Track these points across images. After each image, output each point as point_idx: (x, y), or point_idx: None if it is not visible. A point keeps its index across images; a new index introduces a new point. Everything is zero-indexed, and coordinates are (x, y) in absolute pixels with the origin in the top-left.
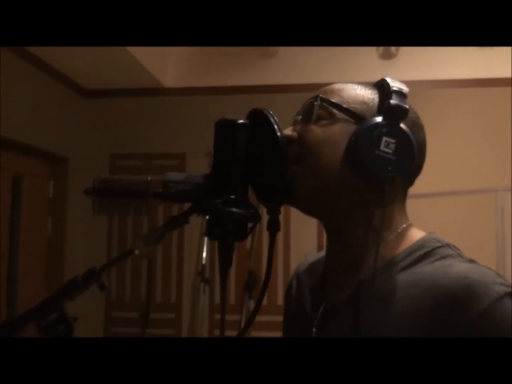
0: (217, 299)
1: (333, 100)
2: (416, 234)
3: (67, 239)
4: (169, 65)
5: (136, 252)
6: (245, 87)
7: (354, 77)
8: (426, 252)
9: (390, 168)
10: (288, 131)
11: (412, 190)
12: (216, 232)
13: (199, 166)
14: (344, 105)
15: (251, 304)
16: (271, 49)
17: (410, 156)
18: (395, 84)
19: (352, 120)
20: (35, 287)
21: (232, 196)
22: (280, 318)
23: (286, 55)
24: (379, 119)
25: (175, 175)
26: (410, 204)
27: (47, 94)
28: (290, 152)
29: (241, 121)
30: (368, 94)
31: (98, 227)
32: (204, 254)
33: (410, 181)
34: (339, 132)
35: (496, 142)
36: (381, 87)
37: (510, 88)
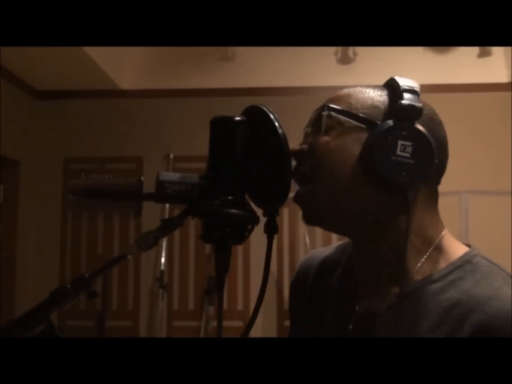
0: (175, 305)
1: (341, 108)
2: (458, 248)
3: (18, 245)
4: (126, 66)
5: (129, 257)
6: (203, 90)
7: (312, 81)
8: (472, 269)
9: (409, 173)
10: (298, 146)
11: None
12: (213, 235)
13: (156, 169)
14: (354, 111)
15: (211, 310)
16: (230, 52)
17: (430, 157)
18: (405, 83)
19: (363, 126)
20: None
21: (230, 197)
22: (240, 323)
23: (244, 59)
24: (392, 122)
25: (169, 175)
26: None
27: None
28: (302, 168)
29: (238, 118)
30: (377, 97)
31: (51, 232)
32: (163, 260)
33: (436, 182)
34: (352, 141)
35: (458, 145)
36: (391, 87)
37: (469, 93)
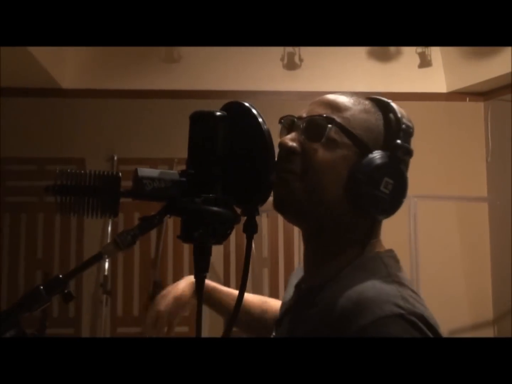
0: (119, 311)
1: (342, 122)
2: (371, 250)
3: None
4: (68, 65)
5: (106, 256)
6: (147, 91)
7: (258, 86)
8: (364, 268)
9: (384, 208)
10: (289, 141)
11: None
12: (194, 235)
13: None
14: (353, 131)
15: None
16: (175, 53)
17: (403, 195)
18: (405, 120)
19: (356, 148)
20: None
21: (212, 195)
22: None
23: (190, 61)
24: (384, 157)
25: (148, 171)
26: None
27: None
28: (289, 166)
29: (219, 113)
30: (373, 120)
31: None
32: (106, 265)
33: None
34: (344, 158)
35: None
36: (387, 111)
37: (411, 102)
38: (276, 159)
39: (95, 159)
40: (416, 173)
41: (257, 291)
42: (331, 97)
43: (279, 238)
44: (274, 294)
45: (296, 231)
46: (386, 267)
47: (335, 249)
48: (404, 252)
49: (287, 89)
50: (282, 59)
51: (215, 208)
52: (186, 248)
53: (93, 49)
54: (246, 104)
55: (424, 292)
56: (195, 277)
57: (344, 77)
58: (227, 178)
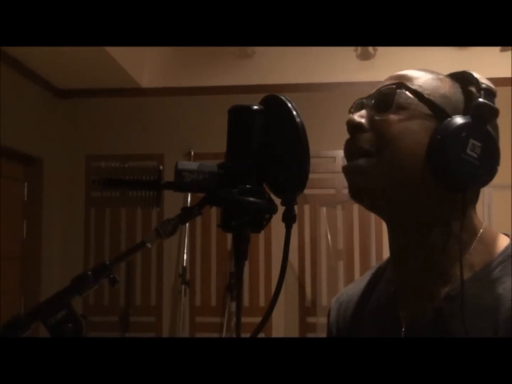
0: (198, 301)
1: (411, 86)
2: (500, 239)
3: (43, 242)
4: (146, 65)
5: (148, 245)
6: (223, 87)
7: (332, 77)
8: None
9: (473, 175)
10: (357, 117)
11: None
12: (232, 224)
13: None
14: (427, 96)
15: (233, 306)
16: (249, 49)
17: (495, 162)
18: (484, 81)
19: (433, 114)
20: (11, 291)
21: (248, 186)
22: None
23: (263, 56)
24: (466, 118)
25: (188, 164)
26: None
27: (19, 93)
28: (359, 143)
29: (256, 107)
30: (448, 87)
31: (74, 229)
32: (185, 256)
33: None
34: (420, 126)
35: None
36: (464, 80)
37: (498, 87)
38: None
39: (173, 155)
40: None
41: (331, 283)
42: (400, 72)
43: (355, 230)
44: None
45: (373, 223)
46: None
47: (433, 240)
48: None
49: (362, 80)
50: (355, 50)
51: (251, 198)
52: (261, 241)
53: (170, 48)
54: (282, 97)
55: None
56: (235, 265)
57: (421, 63)
58: (265, 169)
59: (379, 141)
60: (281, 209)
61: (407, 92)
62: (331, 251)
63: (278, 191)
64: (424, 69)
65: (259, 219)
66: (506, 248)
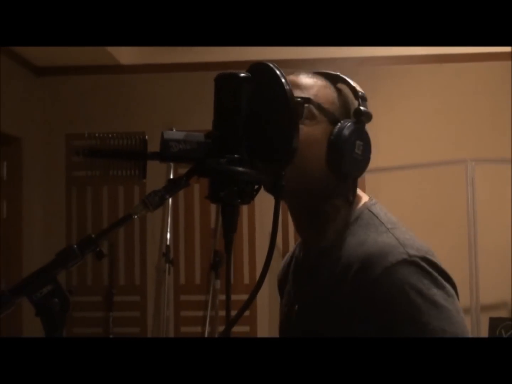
0: (182, 280)
1: (306, 97)
2: (357, 205)
3: (23, 222)
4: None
5: (135, 216)
6: (204, 63)
7: (314, 53)
8: (359, 224)
9: (360, 168)
10: None
11: (386, 164)
12: (220, 195)
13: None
14: (324, 106)
15: (217, 284)
16: None
17: (369, 154)
18: (358, 87)
19: (327, 120)
20: None
21: (237, 155)
22: (246, 297)
23: None
24: (353, 124)
25: (174, 134)
26: (386, 177)
27: None
28: None
29: (243, 74)
30: (332, 93)
31: (55, 209)
32: (168, 235)
33: None
34: (321, 133)
35: (465, 114)
36: (341, 84)
37: (471, 63)
38: None
39: (155, 132)
40: (473, 136)
41: None
42: (293, 78)
43: None
44: None
45: None
46: (377, 216)
47: (329, 214)
48: (462, 217)
49: (339, 56)
50: None
51: (240, 168)
52: (245, 218)
53: None
54: (270, 64)
55: (483, 260)
56: (224, 237)
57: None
58: (253, 139)
59: None
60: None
61: (312, 106)
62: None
63: (265, 161)
64: (309, 73)
65: (248, 190)
66: (356, 210)
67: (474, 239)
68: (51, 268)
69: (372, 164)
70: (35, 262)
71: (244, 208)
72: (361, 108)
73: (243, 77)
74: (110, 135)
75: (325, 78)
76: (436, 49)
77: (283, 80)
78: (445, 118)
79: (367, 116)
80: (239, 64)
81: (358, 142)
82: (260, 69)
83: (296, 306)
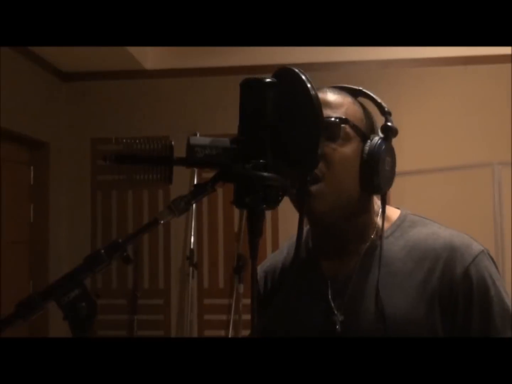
0: (206, 283)
1: (337, 115)
2: (396, 213)
3: (50, 226)
4: (150, 46)
5: (161, 222)
6: (227, 68)
7: (336, 57)
8: (409, 224)
9: (389, 182)
10: None
11: (410, 167)
12: (246, 200)
13: (183, 149)
14: (356, 124)
15: (241, 288)
16: None
17: (395, 169)
18: (384, 104)
19: (358, 137)
20: (19, 275)
21: (262, 161)
22: None
23: None
24: (382, 140)
25: (200, 139)
26: (411, 180)
27: (25, 77)
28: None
29: (269, 80)
30: (360, 109)
31: (81, 213)
32: (192, 239)
33: None
34: (353, 151)
35: (493, 116)
36: (366, 99)
37: (496, 65)
38: None
39: (179, 136)
40: (499, 139)
41: None
42: (324, 96)
43: None
44: None
45: None
46: (423, 217)
47: (361, 230)
48: (489, 221)
49: (364, 59)
50: None
51: (265, 174)
52: (268, 222)
53: None
54: (296, 70)
55: (509, 264)
56: (249, 242)
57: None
58: (278, 144)
59: (326, 167)
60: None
61: (347, 125)
62: None
63: (292, 166)
64: (335, 90)
65: (273, 195)
66: (399, 217)
67: (501, 243)
68: (78, 272)
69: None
70: (61, 266)
71: (268, 213)
72: (389, 124)
73: (269, 82)
74: (136, 140)
75: (350, 94)
76: (461, 50)
77: (308, 85)
78: (471, 121)
79: (394, 132)
80: (264, 68)
81: (387, 159)
82: (286, 74)
83: (341, 317)
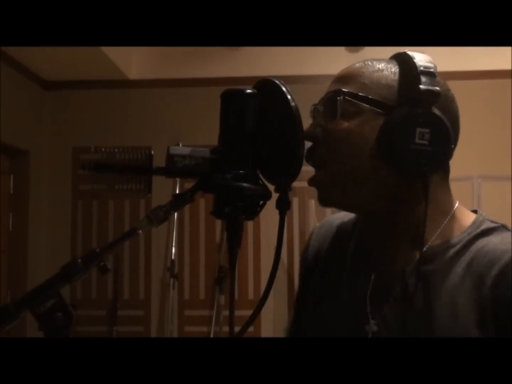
0: (187, 295)
1: (355, 90)
2: (468, 216)
3: (29, 235)
4: (134, 56)
5: (139, 231)
6: (211, 79)
7: (321, 69)
8: (482, 232)
9: (428, 161)
10: (311, 128)
11: None
12: (225, 210)
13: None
14: (370, 95)
15: (222, 299)
16: None
17: (448, 143)
18: (421, 63)
19: (379, 110)
20: None
21: (242, 171)
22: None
23: (251, 48)
24: (409, 108)
25: (180, 149)
26: None
27: (5, 85)
28: (317, 153)
29: (249, 91)
30: (390, 75)
31: (61, 222)
32: (173, 250)
33: (450, 158)
34: (368, 126)
35: (472, 131)
36: (404, 63)
37: (482, 81)
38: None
39: (161, 147)
40: (481, 153)
41: None
42: (341, 71)
43: None
44: None
45: None
46: (504, 226)
47: (415, 224)
48: None
49: None
50: None
51: (244, 184)
52: (250, 233)
53: None
54: (276, 81)
55: None
56: (228, 252)
57: None
58: (258, 154)
59: (331, 151)
60: (274, 196)
61: (348, 97)
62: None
63: (271, 176)
64: (366, 60)
65: (253, 205)
66: (473, 222)
67: None
68: (55, 281)
69: None
70: (40, 275)
71: (250, 223)
72: (421, 87)
73: (249, 93)
74: (116, 150)
75: (392, 60)
76: (444, 66)
77: (289, 96)
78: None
79: (431, 97)
80: (247, 80)
81: (420, 130)
82: (267, 85)
83: (374, 327)
